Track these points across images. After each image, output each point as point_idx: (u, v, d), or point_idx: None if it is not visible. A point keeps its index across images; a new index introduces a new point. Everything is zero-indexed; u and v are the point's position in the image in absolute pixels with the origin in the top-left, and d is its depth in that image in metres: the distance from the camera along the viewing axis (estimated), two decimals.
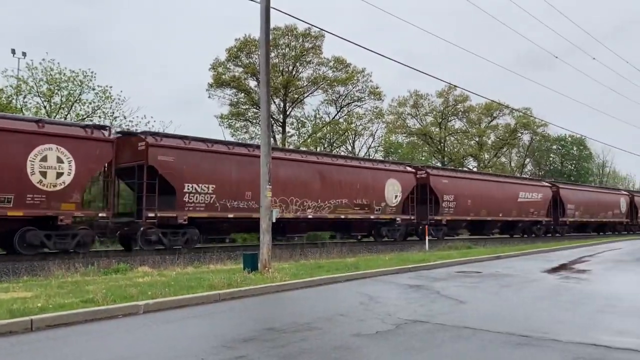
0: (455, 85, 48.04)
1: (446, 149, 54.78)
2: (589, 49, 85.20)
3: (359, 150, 47.58)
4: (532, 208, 35.25)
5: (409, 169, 27.96)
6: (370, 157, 40.84)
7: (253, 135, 39.64)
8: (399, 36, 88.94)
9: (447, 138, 55.17)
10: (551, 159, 66.46)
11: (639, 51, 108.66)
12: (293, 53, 40.03)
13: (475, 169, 51.63)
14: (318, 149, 38.94)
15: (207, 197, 18.26)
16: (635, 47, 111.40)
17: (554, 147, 65.44)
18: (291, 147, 36.15)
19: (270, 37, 38.38)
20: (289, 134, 42.00)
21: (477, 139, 56.22)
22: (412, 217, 26.88)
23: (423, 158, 52.71)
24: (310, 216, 21.67)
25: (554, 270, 15.02)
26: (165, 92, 71.72)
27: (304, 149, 32.86)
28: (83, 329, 7.04)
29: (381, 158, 43.78)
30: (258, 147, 17.53)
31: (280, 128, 41.67)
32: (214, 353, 5.75)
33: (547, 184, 38.75)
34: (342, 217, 23.11)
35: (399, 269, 14.09)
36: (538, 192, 36.00)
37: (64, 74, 28.20)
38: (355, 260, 16.00)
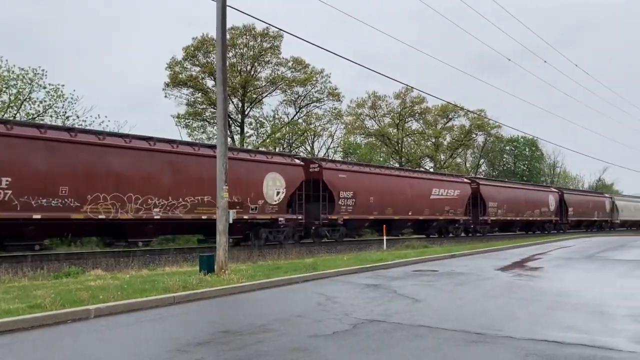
0: (412, 87, 48.73)
1: (404, 149, 55.46)
2: (541, 52, 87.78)
3: (318, 151, 47.70)
4: (448, 206, 32.92)
5: (296, 161, 24.86)
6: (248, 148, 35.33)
7: (211, 136, 39.19)
8: (358, 38, 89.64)
9: (405, 139, 55.87)
10: (504, 159, 68.16)
11: (587, 55, 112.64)
12: (251, 53, 39.80)
13: (430, 169, 52.43)
14: (277, 150, 38.79)
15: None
16: (584, 51, 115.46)
17: (507, 148, 67.16)
18: (249, 147, 35.86)
19: (228, 36, 38.16)
20: (248, 135, 41.76)
21: (433, 140, 57.17)
22: (299, 217, 24.01)
23: (381, 159, 53.24)
24: (157, 217, 18.18)
25: (507, 268, 15.36)
26: (119, 92, 70.20)
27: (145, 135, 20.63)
28: (30, 335, 6.77)
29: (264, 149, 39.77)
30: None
31: (238, 128, 41.36)
32: (167, 357, 5.62)
33: (466, 180, 36.38)
34: (204, 217, 19.49)
35: (357, 269, 14.13)
36: (455, 189, 33.77)
37: (13, 71, 27.26)
38: (313, 260, 15.97)
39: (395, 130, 54.77)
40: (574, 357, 5.54)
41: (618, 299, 9.50)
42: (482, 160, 66.29)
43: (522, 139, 66.10)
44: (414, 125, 57.29)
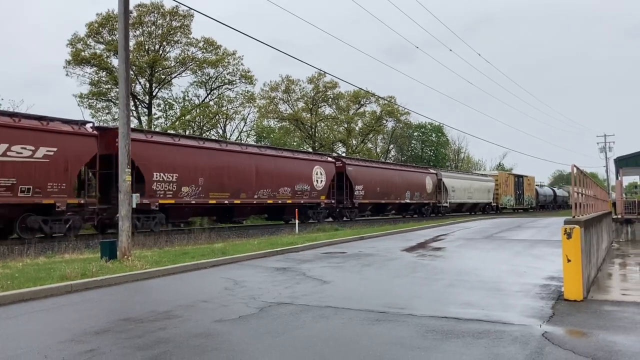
0: (324, 72, 48.97)
1: (317, 134, 55.84)
2: (447, 41, 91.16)
3: (230, 135, 46.94)
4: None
5: (329, 159, 31.90)
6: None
7: (115, 117, 37.42)
8: (271, 23, 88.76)
9: (318, 124, 56.25)
10: (412, 145, 70.46)
11: (491, 46, 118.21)
12: (160, 32, 38.34)
13: (343, 154, 53.20)
14: (187, 132, 37.76)
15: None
16: (487, 42, 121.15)
17: (415, 134, 69.49)
18: (157, 129, 34.65)
19: (135, 13, 36.53)
20: (156, 116, 40.28)
21: (345, 126, 58.02)
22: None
23: (295, 143, 53.31)
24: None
25: (412, 249, 15.89)
26: (14, 70, 65.36)
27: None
28: None
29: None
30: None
31: (146, 109, 39.82)
32: (60, 348, 5.29)
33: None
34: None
35: (267, 253, 14.07)
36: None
37: None
38: (223, 245, 15.73)
39: (308, 115, 54.98)
40: (470, 332, 5.79)
41: (513, 276, 10.08)
42: (391, 146, 68.14)
43: (429, 126, 68.62)
44: (327, 110, 57.85)
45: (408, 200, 38.88)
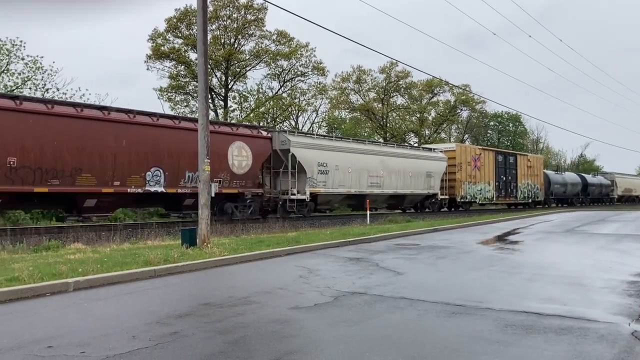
0: (397, 61, 48.46)
1: (388, 124, 55.39)
2: (526, 27, 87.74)
3: (302, 126, 47.45)
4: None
5: (263, 133, 23.66)
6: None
7: (194, 109, 38.73)
8: (345, 11, 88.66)
9: (390, 114, 55.78)
10: (488, 135, 68.49)
11: (571, 30, 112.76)
12: (235, 25, 39.20)
13: (415, 144, 52.51)
14: (261, 124, 38.54)
15: None
16: (568, 26, 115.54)
17: (492, 123, 67.49)
18: (234, 121, 35.55)
19: (211, 8, 37.48)
20: (231, 108, 41.34)
21: (418, 115, 57.16)
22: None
23: (366, 134, 53.14)
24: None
25: (488, 241, 15.49)
26: (99, 65, 68.93)
27: None
28: (7, 308, 6.67)
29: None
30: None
31: (222, 102, 40.92)
32: (146, 330, 5.56)
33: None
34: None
35: (340, 243, 14.16)
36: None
37: None
38: (296, 234, 15.97)
39: (380, 105, 54.60)
40: (552, 328, 5.59)
41: (597, 271, 9.62)
42: (466, 136, 66.55)
43: (506, 115, 66.43)
44: (399, 100, 57.20)
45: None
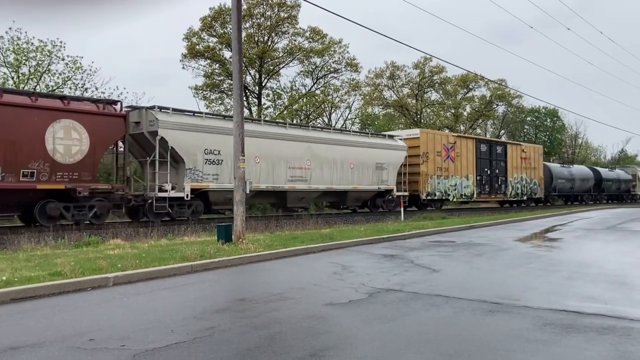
0: (431, 56, 47.97)
1: (422, 120, 54.89)
2: (564, 19, 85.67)
3: (336, 123, 47.42)
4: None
5: (114, 109, 17.40)
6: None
7: (228, 107, 39.12)
8: (375, 7, 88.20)
9: (424, 110, 55.25)
10: (525, 130, 67.18)
11: (612, 21, 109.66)
12: (268, 23, 39.37)
13: None
14: (294, 121, 38.70)
15: None
16: (608, 17, 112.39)
17: (528, 118, 66.15)
18: (267, 119, 35.82)
19: (244, 6, 37.76)
20: (265, 106, 41.60)
21: (453, 111, 56.46)
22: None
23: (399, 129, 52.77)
24: None
25: (526, 239, 15.22)
26: (135, 64, 70.20)
27: None
28: (50, 302, 6.88)
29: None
30: None
31: (255, 100, 41.20)
32: (184, 324, 5.66)
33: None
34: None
35: (374, 240, 14.12)
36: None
37: (32, 43, 27.31)
38: (330, 231, 16.00)
39: (414, 101, 54.15)
40: (593, 327, 5.46)
41: (639, 270, 9.35)
42: (502, 131, 65.42)
43: (543, 110, 65.01)
44: (433, 95, 56.59)
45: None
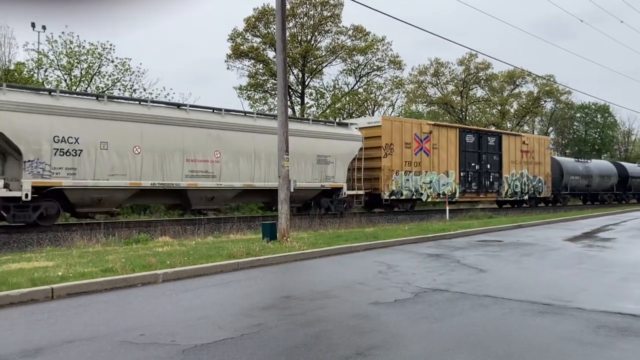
0: (476, 52, 47.09)
1: (468, 118, 53.99)
2: (616, 12, 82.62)
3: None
4: None
5: None
6: None
7: (272, 107, 39.45)
8: (418, 2, 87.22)
9: (469, 107, 54.35)
10: (575, 127, 65.21)
11: None
12: (311, 22, 39.49)
13: None
14: (337, 120, 38.68)
15: None
16: None
17: (578, 115, 64.18)
18: (310, 117, 35.93)
19: (288, 6, 37.99)
20: (308, 105, 41.76)
21: (499, 108, 55.31)
22: None
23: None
24: None
25: (577, 238, 14.78)
26: (181, 65, 71.59)
27: None
28: (102, 297, 7.09)
29: None
30: None
31: (299, 99, 41.41)
32: (231, 321, 5.74)
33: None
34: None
35: (419, 239, 13.98)
36: None
37: (83, 46, 28.26)
38: (374, 230, 15.93)
39: (459, 98, 53.33)
40: None
41: None
42: (550, 128, 63.69)
43: (593, 106, 62.94)
44: (479, 92, 55.56)
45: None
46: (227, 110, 19.20)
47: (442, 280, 8.11)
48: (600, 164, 41.61)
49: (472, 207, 30.70)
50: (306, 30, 39.82)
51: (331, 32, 40.39)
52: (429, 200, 25.76)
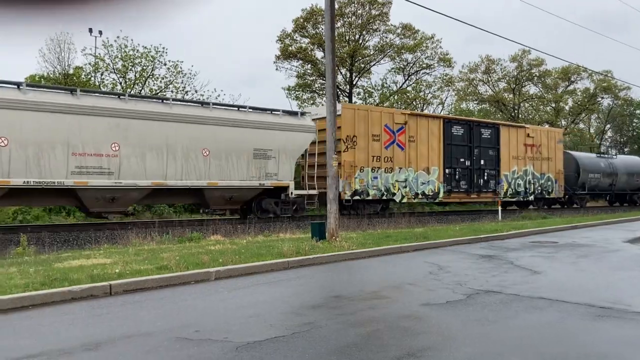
0: (530, 48, 45.81)
1: (520, 115, 52.68)
2: None
3: None
4: None
5: None
6: None
7: (320, 107, 39.58)
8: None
9: (522, 104, 53.01)
10: (634, 124, 62.59)
11: None
12: (359, 21, 39.42)
13: None
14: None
15: None
16: None
17: (638, 111, 61.55)
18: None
19: (336, 5, 38.06)
20: (356, 105, 41.70)
21: (553, 105, 53.70)
22: None
23: None
24: None
25: (637, 240, 14.20)
26: (230, 67, 72.70)
27: None
28: (158, 294, 7.30)
29: None
30: None
31: (346, 99, 41.41)
32: (282, 319, 5.80)
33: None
34: None
35: (470, 239, 13.75)
36: None
37: (137, 50, 29.11)
38: (424, 230, 15.77)
39: (511, 96, 52.09)
40: None
41: None
42: (607, 126, 61.37)
43: None
44: (532, 89, 54.08)
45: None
46: (132, 95, 16.62)
47: (495, 281, 7.95)
48: (628, 160, 36.69)
49: (468, 208, 27.95)
50: (354, 30, 39.77)
51: (379, 30, 40.19)
52: (405, 201, 22.69)
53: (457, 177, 24.22)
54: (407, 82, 43.88)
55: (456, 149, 24.28)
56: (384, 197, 21.68)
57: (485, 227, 17.07)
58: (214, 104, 18.06)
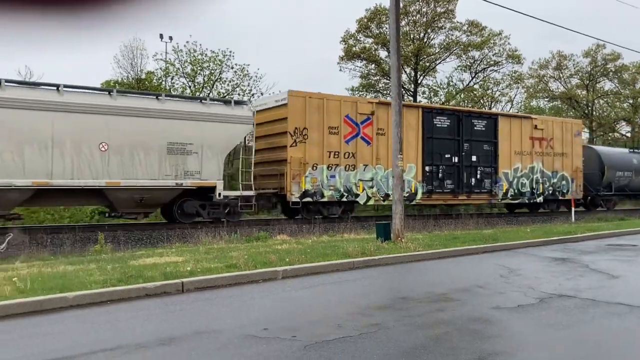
0: (605, 42, 43.61)
1: (594, 113, 50.36)
2: None
3: None
4: None
5: None
6: None
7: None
8: None
9: (596, 101, 50.65)
10: None
11: None
12: (424, 19, 38.90)
13: (627, 134, 46.63)
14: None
15: None
16: None
17: None
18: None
19: (401, 4, 37.74)
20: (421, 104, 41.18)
21: (631, 101, 50.98)
22: None
23: None
24: None
25: None
26: (297, 69, 73.45)
27: None
28: (227, 292, 7.48)
29: None
30: None
31: (411, 98, 40.95)
32: (349, 319, 5.81)
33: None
34: None
35: (542, 242, 13.29)
36: None
37: (205, 54, 29.95)
38: (492, 232, 15.37)
39: (584, 92, 49.89)
40: None
41: None
42: None
43: None
44: (607, 85, 51.56)
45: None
46: (8, 81, 13.72)
47: (569, 285, 7.65)
48: None
49: (466, 211, 23.66)
50: (419, 28, 39.29)
51: (445, 28, 39.50)
52: (371, 203, 19.76)
53: (440, 175, 20.92)
54: (474, 79, 42.91)
55: (440, 143, 20.95)
56: (345, 199, 18.75)
57: (558, 228, 16.44)
58: (118, 91, 15.55)
